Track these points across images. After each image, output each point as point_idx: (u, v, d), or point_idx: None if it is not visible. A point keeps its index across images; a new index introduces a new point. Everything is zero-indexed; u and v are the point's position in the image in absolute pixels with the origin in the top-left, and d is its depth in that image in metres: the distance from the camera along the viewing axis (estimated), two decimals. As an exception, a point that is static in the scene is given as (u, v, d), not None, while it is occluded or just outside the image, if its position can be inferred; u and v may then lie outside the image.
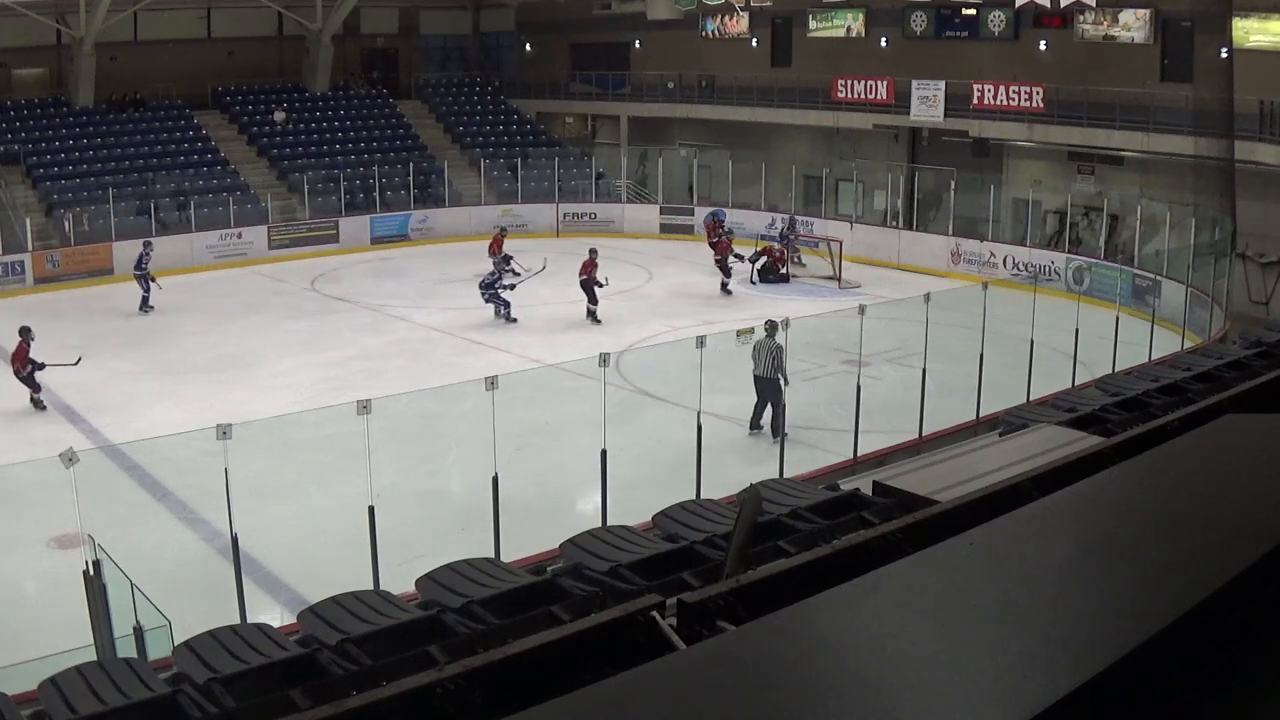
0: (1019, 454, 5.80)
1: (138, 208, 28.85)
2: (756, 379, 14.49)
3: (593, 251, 22.30)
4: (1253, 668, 1.67)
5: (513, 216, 32.49)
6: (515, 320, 21.81)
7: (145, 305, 23.29)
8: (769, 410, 14.55)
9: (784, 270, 25.86)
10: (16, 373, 17.02)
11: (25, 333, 17.15)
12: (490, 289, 22.06)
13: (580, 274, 21.91)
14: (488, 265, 24.28)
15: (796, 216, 28.61)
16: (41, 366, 16.92)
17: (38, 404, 16.94)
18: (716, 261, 25.14)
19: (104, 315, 23.06)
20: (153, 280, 23.26)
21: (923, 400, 14.47)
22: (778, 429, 14.28)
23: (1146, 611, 1.60)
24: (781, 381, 14.35)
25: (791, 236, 27.16)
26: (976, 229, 27.16)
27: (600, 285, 21.65)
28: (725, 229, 27.03)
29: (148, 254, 23.53)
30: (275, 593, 10.74)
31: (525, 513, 11.25)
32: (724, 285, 24.60)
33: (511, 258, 23.89)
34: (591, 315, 21.76)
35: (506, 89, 39.12)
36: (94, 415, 16.43)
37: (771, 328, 14.32)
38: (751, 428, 14.63)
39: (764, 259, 25.78)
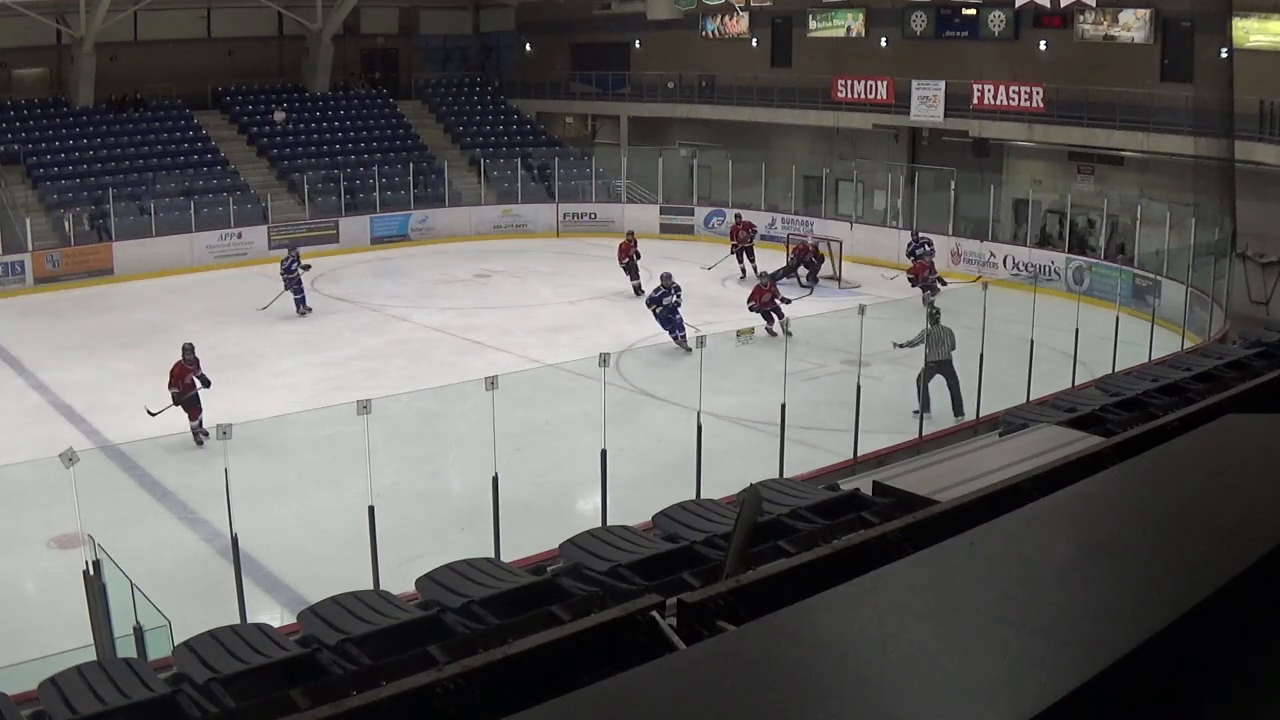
0: (1019, 454, 5.81)
1: (139, 208, 28.90)
2: (938, 363, 14.90)
3: (763, 276, 21.31)
4: (1253, 668, 1.67)
5: (513, 216, 32.52)
6: (690, 350, 18.75)
7: (302, 307, 22.92)
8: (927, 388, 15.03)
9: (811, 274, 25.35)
10: (172, 393, 15.13)
11: (187, 350, 15.32)
12: (659, 303, 19.52)
13: (749, 300, 20.51)
14: (490, 265, 24.16)
15: (922, 234, 25.26)
16: (208, 385, 15.16)
17: (196, 434, 14.73)
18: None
19: (104, 315, 23.05)
20: (305, 269, 22.93)
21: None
22: (959, 406, 15.03)
23: (1146, 611, 1.60)
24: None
25: (921, 251, 24.18)
26: (977, 229, 27.16)
27: (788, 302, 20.19)
28: (753, 233, 26.57)
29: (293, 257, 23.21)
30: (275, 593, 10.74)
31: (525, 513, 11.23)
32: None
33: (638, 258, 23.48)
34: (783, 329, 19.49)
35: (506, 89, 39.09)
36: (94, 415, 16.41)
37: (938, 314, 15.27)
38: (921, 409, 14.79)
39: (791, 259, 25.39)
